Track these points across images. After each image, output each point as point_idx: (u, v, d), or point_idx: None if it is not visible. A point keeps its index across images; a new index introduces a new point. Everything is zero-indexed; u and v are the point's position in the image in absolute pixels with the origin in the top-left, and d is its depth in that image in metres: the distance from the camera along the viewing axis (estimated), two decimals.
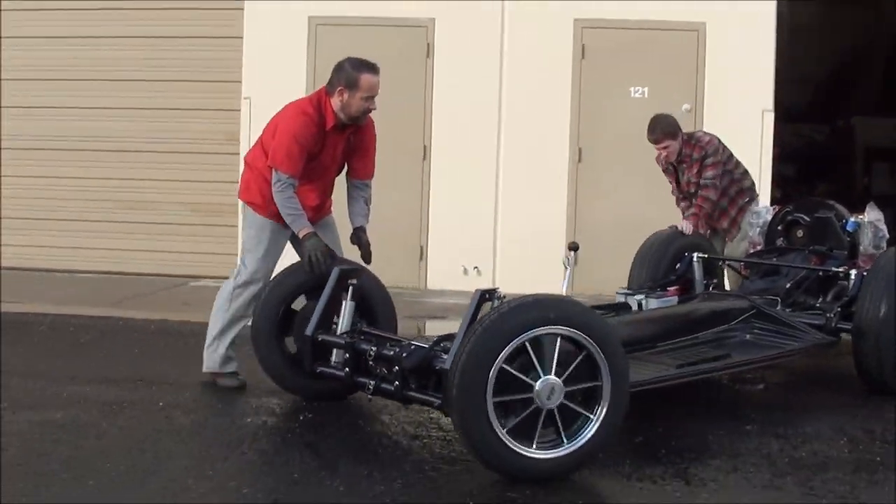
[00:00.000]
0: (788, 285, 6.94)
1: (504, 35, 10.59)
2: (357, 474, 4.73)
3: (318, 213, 6.42)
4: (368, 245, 6.32)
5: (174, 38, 11.14)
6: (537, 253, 9.87)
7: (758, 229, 7.65)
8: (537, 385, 4.55)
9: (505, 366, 4.50)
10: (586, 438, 4.67)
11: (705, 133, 8.17)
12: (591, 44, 10.31)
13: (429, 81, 10.69)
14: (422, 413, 5.71)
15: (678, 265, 7.48)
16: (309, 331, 5.66)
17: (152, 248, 11.19)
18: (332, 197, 6.59)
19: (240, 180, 6.64)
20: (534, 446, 4.58)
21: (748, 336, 6.40)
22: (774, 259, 7.39)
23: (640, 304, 6.69)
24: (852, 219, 7.17)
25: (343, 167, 6.43)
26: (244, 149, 10.52)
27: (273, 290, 6.08)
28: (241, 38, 10.96)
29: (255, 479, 4.70)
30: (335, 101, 6.04)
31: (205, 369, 6.41)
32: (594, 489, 4.66)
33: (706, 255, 7.52)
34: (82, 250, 11.26)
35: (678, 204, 8.24)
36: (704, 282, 7.42)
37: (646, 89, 10.15)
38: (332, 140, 6.15)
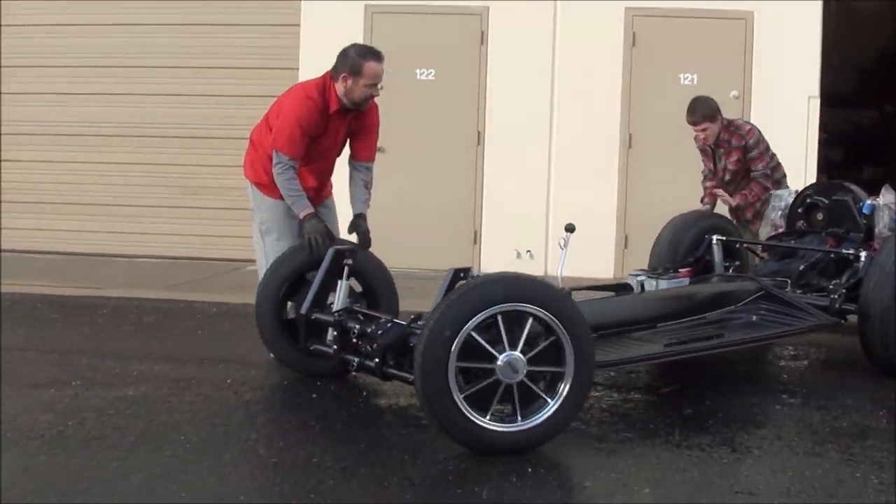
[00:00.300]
0: (802, 267, 6.99)
1: (556, 23, 10.80)
2: (418, 442, 5.01)
3: (319, 194, 6.62)
4: (367, 232, 6.42)
5: (234, 25, 11.43)
6: (589, 237, 10.00)
7: (779, 212, 7.65)
8: (500, 358, 4.72)
9: (473, 334, 4.68)
10: (543, 419, 4.81)
11: (746, 122, 8.26)
12: (642, 32, 10.50)
13: (483, 68, 10.91)
14: None
15: (699, 247, 7.56)
16: (303, 309, 5.87)
17: (209, 233, 11.55)
18: (334, 180, 6.81)
19: (244, 157, 6.77)
20: (487, 417, 4.74)
21: (754, 317, 6.45)
22: (793, 242, 7.45)
23: (641, 286, 6.75)
24: (869, 201, 7.18)
25: (343, 150, 6.63)
26: None
27: (276, 269, 6.24)
28: (299, 25, 11.25)
29: (324, 448, 4.95)
30: (339, 87, 6.24)
31: None
32: (646, 457, 4.90)
33: (725, 238, 7.57)
34: (141, 235, 11.58)
35: (704, 183, 8.36)
36: (726, 264, 7.51)
37: (695, 76, 10.32)
38: (335, 124, 6.34)
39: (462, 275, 5.21)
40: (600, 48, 10.67)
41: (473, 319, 4.66)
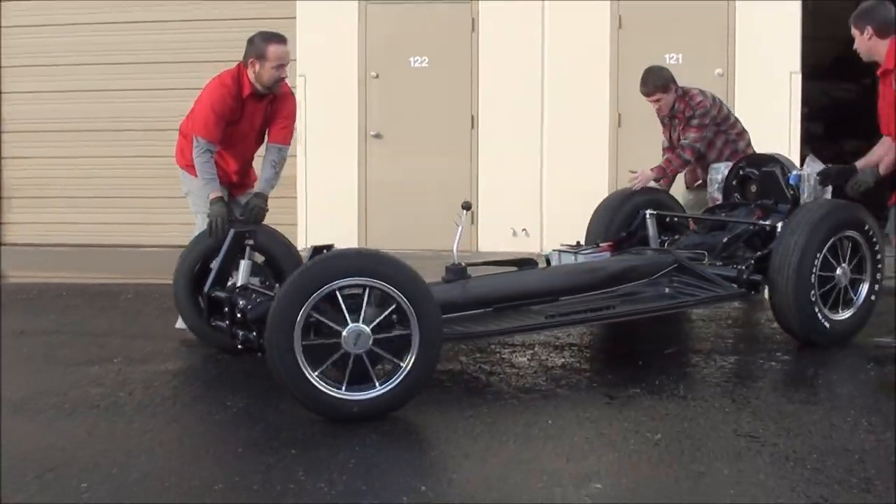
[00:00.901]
0: (725, 240, 6.96)
1: (544, 8, 11.22)
2: (447, 402, 5.44)
3: (242, 180, 7.08)
4: (255, 209, 6.63)
5: (232, 20, 11.71)
6: (582, 213, 10.40)
7: (716, 185, 7.58)
8: (344, 331, 4.97)
9: (313, 313, 4.95)
10: (396, 383, 5.05)
11: (700, 92, 8.10)
12: (628, 15, 10.90)
13: (474, 54, 11.34)
14: (494, 354, 6.39)
15: (632, 222, 7.62)
16: (206, 288, 6.21)
17: None
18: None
19: (175, 147, 7.19)
20: (343, 388, 5.01)
21: (666, 289, 6.53)
22: (723, 214, 7.38)
23: (547, 260, 6.93)
24: (795, 172, 7.16)
25: (263, 137, 6.99)
26: (302, 125, 11.28)
27: (187, 254, 6.66)
28: (295, 18, 11.62)
29: None
30: (250, 73, 6.63)
31: None
32: (655, 408, 5.35)
33: (656, 212, 7.57)
34: (149, 226, 11.98)
35: (663, 154, 8.31)
36: (664, 238, 7.51)
37: (680, 56, 10.70)
38: (250, 108, 6.72)
39: (324, 252, 5.62)
40: (588, 31, 11.09)
41: (315, 295, 4.95)
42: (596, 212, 7.93)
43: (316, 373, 4.96)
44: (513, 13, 11.23)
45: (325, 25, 11.54)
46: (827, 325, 6.42)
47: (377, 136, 11.43)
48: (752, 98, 9.62)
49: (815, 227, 6.28)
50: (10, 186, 12.33)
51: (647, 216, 7.51)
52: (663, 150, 8.41)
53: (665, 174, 8.01)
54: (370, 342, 5.00)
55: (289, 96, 6.88)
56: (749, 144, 8.19)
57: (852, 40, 6.57)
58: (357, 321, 4.98)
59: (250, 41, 6.68)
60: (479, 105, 11.36)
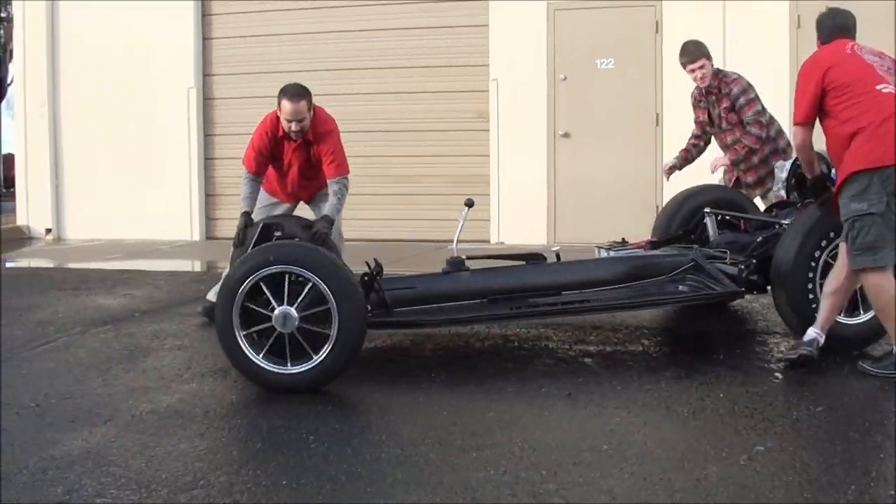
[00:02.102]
0: (760, 239, 6.90)
1: (725, 8, 11.66)
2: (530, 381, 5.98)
3: (302, 194, 7.66)
4: (316, 233, 6.79)
5: (430, 28, 12.76)
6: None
7: (780, 184, 7.28)
8: (273, 315, 5.57)
9: (246, 303, 5.58)
10: (326, 353, 5.56)
11: (733, 72, 8.22)
12: (806, 14, 11.19)
13: (658, 55, 11.90)
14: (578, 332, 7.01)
15: (692, 220, 7.66)
16: None
17: (418, 217, 12.78)
18: None
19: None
20: (288, 364, 5.60)
21: (680, 286, 6.67)
22: (774, 214, 7.28)
23: (557, 256, 7.00)
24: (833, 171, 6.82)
25: (311, 169, 7.39)
26: (494, 126, 12.06)
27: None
28: (488, 25, 12.44)
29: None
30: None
31: None
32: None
33: (712, 210, 7.49)
34: (356, 221, 12.75)
35: (688, 142, 8.50)
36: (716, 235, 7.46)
37: None
38: (289, 147, 7.15)
39: (274, 228, 6.25)
40: (766, 32, 11.46)
41: (248, 280, 5.58)
42: (664, 207, 8.14)
43: (260, 355, 5.65)
44: (695, 14, 11.68)
45: (517, 31, 12.26)
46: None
47: (565, 135, 12.07)
48: None
49: (811, 230, 6.23)
50: (219, 184, 13.56)
51: (706, 214, 7.50)
52: (693, 135, 8.51)
53: (739, 155, 8.00)
54: (298, 320, 5.59)
55: (326, 136, 7.13)
56: (789, 144, 8.05)
57: None
58: (278, 305, 5.61)
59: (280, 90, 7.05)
60: (664, 103, 11.89)
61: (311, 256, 5.73)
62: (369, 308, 6.05)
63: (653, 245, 7.48)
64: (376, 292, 6.37)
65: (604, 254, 7.30)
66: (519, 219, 12.31)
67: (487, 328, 7.26)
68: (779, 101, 11.27)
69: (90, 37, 13.67)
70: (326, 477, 4.38)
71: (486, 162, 12.49)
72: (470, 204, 6.87)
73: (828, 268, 6.11)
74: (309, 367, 5.61)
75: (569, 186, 12.15)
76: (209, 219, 13.67)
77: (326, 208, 7.03)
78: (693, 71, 8.15)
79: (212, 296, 7.43)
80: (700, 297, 6.60)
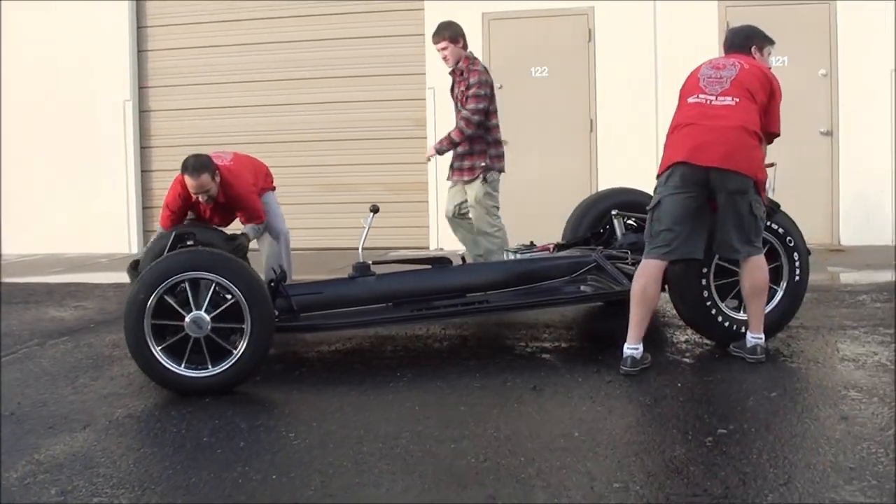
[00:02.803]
0: None
1: (656, 16, 12.04)
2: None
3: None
4: (238, 246, 7.31)
5: (365, 38, 12.96)
6: None
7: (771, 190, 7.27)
8: (188, 317, 5.80)
9: (165, 296, 5.77)
10: (229, 366, 5.83)
11: (483, 67, 8.46)
12: (736, 21, 11.49)
13: (591, 62, 12.21)
14: (532, 330, 7.22)
15: (601, 222, 7.88)
16: None
17: (355, 225, 12.63)
18: None
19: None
20: (182, 366, 5.82)
21: (582, 287, 6.89)
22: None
23: (462, 259, 7.46)
24: None
25: (230, 215, 7.75)
26: (430, 134, 12.26)
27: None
28: (424, 35, 12.54)
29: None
30: None
31: None
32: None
33: (619, 212, 7.71)
34: (300, 230, 12.83)
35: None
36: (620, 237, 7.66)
37: (785, 58, 11.36)
38: (204, 206, 7.50)
39: (186, 237, 6.50)
40: (697, 38, 11.77)
41: (162, 285, 5.76)
42: (572, 212, 8.29)
43: (160, 348, 5.83)
44: (627, 22, 12.08)
45: None
46: (725, 321, 6.49)
47: (504, 142, 12.27)
48: (853, 96, 10.13)
49: None
50: (156, 197, 13.56)
51: (613, 216, 7.74)
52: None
53: (441, 146, 8.56)
54: (209, 329, 5.83)
55: (236, 198, 7.53)
56: (503, 151, 8.74)
57: None
58: (196, 309, 5.84)
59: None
60: (598, 110, 12.23)
61: (227, 264, 5.94)
62: (276, 312, 6.25)
63: (559, 247, 7.68)
64: (283, 297, 6.58)
65: (510, 257, 7.52)
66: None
67: (443, 330, 7.51)
68: None
69: (26, 49, 13.63)
70: (314, 471, 4.57)
71: (423, 169, 12.70)
72: (375, 210, 7.15)
73: (721, 268, 6.42)
74: (230, 364, 5.86)
75: (505, 193, 12.28)
76: (147, 231, 13.66)
77: (247, 228, 7.56)
78: (439, 51, 8.47)
79: None
80: (600, 296, 6.92)
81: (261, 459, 4.75)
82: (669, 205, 6.05)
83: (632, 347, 6.07)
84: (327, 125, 13.06)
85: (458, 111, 8.50)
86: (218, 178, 7.34)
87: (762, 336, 6.23)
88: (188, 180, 7.19)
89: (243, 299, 5.80)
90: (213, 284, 5.84)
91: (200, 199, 7.31)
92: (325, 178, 13.08)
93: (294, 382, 6.22)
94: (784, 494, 4.07)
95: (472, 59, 8.41)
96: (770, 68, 6.37)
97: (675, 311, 6.85)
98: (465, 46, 8.46)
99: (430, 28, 12.33)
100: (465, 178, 8.50)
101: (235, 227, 7.88)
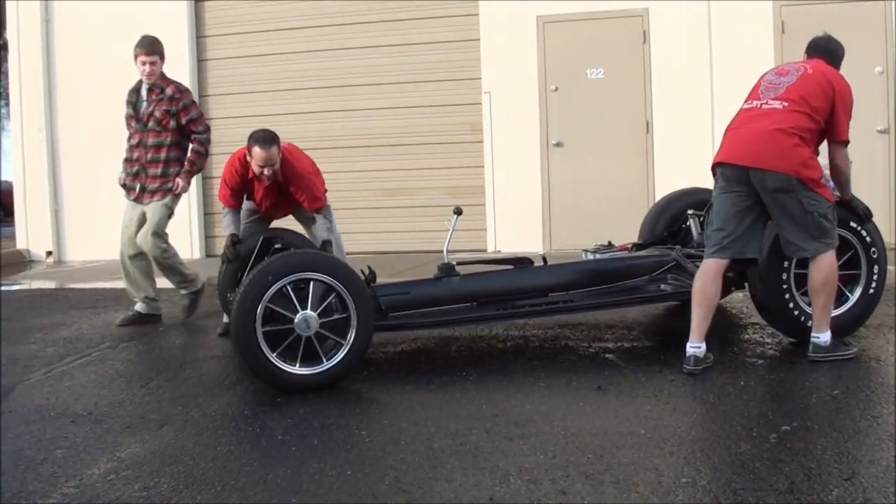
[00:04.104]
0: None
1: (711, 17, 12.12)
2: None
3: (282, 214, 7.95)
4: (327, 247, 7.33)
5: (423, 44, 13.14)
6: None
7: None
8: (296, 318, 5.94)
9: (269, 304, 5.89)
10: (339, 358, 6.03)
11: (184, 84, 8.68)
12: (790, 20, 11.64)
13: (647, 63, 12.32)
14: (594, 331, 7.32)
15: (677, 222, 7.98)
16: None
17: (414, 229, 13.09)
18: None
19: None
20: (297, 365, 5.99)
21: (662, 286, 7.02)
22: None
23: (544, 260, 7.36)
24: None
25: (285, 200, 7.62)
26: (487, 138, 12.38)
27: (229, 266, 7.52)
28: (479, 40, 12.83)
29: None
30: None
31: None
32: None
33: (700, 213, 7.77)
34: (354, 234, 12.92)
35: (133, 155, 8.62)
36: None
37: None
38: (259, 185, 7.44)
39: (274, 241, 6.65)
40: (752, 37, 11.91)
41: (269, 291, 5.90)
42: (648, 213, 8.43)
43: (274, 353, 5.97)
44: (681, 22, 12.17)
45: (507, 45, 12.63)
46: (795, 310, 6.55)
47: (558, 144, 12.43)
48: None
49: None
50: (217, 203, 13.58)
51: (689, 216, 7.87)
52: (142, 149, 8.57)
53: (191, 176, 8.66)
54: (318, 325, 6.01)
55: (296, 177, 7.39)
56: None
57: None
58: (302, 309, 5.99)
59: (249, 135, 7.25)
60: (654, 111, 12.32)
61: (333, 264, 6.17)
62: None
63: (637, 247, 7.76)
64: (372, 297, 6.70)
65: (590, 257, 7.57)
66: (514, 227, 12.67)
67: (506, 331, 7.62)
68: None
69: (85, 60, 13.93)
70: (387, 466, 4.69)
71: (480, 173, 12.85)
72: (458, 212, 7.19)
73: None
74: (335, 361, 6.08)
75: (563, 194, 12.51)
76: (208, 237, 13.95)
77: (322, 233, 7.44)
78: (146, 64, 8.42)
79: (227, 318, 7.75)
80: (681, 294, 6.90)
81: (335, 456, 4.88)
82: (718, 205, 6.24)
83: (694, 346, 6.16)
84: (384, 131, 13.23)
85: (155, 131, 8.47)
86: (280, 155, 7.37)
87: (825, 334, 6.24)
88: (258, 152, 7.08)
89: (349, 295, 6.04)
90: (321, 285, 6.03)
91: (265, 173, 7.18)
92: (384, 182, 13.24)
93: (363, 382, 6.33)
94: (848, 489, 4.14)
95: (168, 78, 8.55)
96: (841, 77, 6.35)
97: (735, 310, 6.92)
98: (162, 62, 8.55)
99: (485, 33, 12.60)
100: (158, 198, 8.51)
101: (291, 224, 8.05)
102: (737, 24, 11.96)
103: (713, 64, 12.03)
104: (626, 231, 11.39)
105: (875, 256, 6.69)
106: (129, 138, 8.60)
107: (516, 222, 12.64)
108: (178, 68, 13.56)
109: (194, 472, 4.76)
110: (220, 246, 13.42)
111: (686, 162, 11.93)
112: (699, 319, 6.16)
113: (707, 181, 11.02)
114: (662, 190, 11.95)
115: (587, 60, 12.40)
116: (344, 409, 5.78)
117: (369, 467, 4.71)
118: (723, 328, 7.43)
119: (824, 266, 6.12)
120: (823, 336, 6.22)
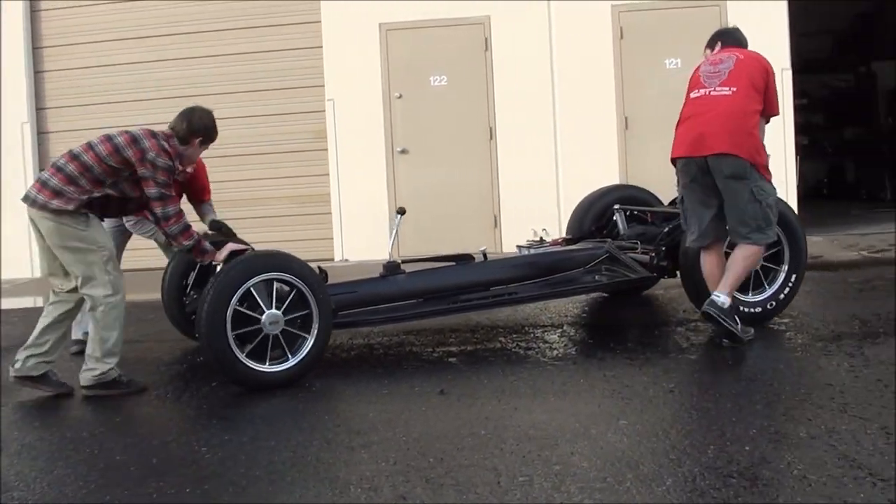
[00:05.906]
0: (666, 229, 7.53)
1: (551, 24, 12.30)
2: (494, 372, 6.29)
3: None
4: (222, 226, 7.72)
5: (264, 52, 12.99)
6: None
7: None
8: (263, 318, 6.09)
9: (237, 307, 6.02)
10: (304, 353, 6.24)
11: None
12: (628, 25, 11.91)
13: (489, 70, 12.45)
14: (528, 334, 7.36)
15: (603, 217, 8.37)
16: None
17: (263, 239, 12.72)
18: None
19: None
20: (266, 364, 6.15)
21: (596, 276, 7.42)
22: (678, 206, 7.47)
23: (484, 255, 7.58)
24: None
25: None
26: (332, 146, 12.34)
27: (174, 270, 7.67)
28: (321, 47, 12.80)
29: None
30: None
31: None
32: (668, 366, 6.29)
33: (622, 207, 8.25)
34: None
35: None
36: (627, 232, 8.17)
37: (679, 60, 11.74)
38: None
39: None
40: (592, 43, 12.18)
41: (235, 296, 6.02)
42: (574, 210, 8.70)
43: (244, 354, 6.10)
44: (522, 30, 12.34)
45: (350, 52, 12.61)
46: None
47: (403, 151, 12.48)
48: None
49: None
50: None
51: (615, 211, 8.30)
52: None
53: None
54: (283, 323, 6.17)
55: (204, 169, 7.98)
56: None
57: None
58: (267, 309, 6.13)
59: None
60: (497, 117, 12.46)
61: (298, 265, 6.31)
62: None
63: (568, 242, 8.11)
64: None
65: (524, 252, 7.88)
66: (362, 235, 12.63)
67: (350, 339, 7.64)
68: (605, 101, 11.98)
69: None
70: (227, 482, 4.65)
71: (326, 181, 12.79)
72: (402, 212, 7.52)
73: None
74: (301, 357, 6.27)
75: (409, 201, 12.51)
76: None
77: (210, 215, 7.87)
78: None
79: (76, 332, 7.57)
80: (617, 283, 7.40)
81: (175, 474, 4.80)
82: (686, 197, 6.70)
83: (717, 294, 6.54)
84: (231, 141, 12.87)
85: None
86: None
87: (726, 296, 6.52)
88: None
89: (310, 292, 6.22)
90: (280, 283, 6.20)
91: (188, 170, 7.25)
92: (229, 193, 13.00)
93: (204, 398, 6.27)
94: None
95: None
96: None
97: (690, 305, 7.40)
98: None
99: (328, 40, 12.58)
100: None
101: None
102: (576, 31, 12.18)
103: (554, 70, 12.23)
104: (472, 236, 11.59)
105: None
106: None
107: (363, 230, 12.61)
108: (14, 80, 13.29)
109: (29, 500, 4.64)
110: None
111: (530, 167, 12.21)
112: (727, 284, 6.52)
113: (550, 187, 11.30)
114: (507, 194, 12.20)
115: (430, 68, 12.47)
116: (183, 426, 5.73)
117: (209, 484, 4.66)
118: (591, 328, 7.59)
119: (751, 253, 6.57)
120: (723, 297, 6.53)
